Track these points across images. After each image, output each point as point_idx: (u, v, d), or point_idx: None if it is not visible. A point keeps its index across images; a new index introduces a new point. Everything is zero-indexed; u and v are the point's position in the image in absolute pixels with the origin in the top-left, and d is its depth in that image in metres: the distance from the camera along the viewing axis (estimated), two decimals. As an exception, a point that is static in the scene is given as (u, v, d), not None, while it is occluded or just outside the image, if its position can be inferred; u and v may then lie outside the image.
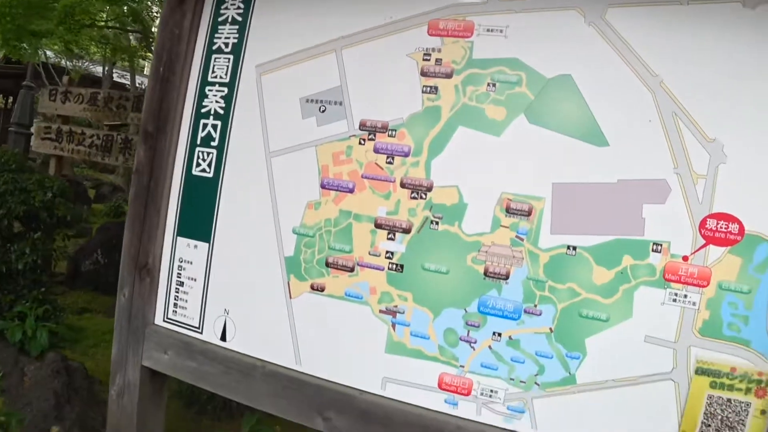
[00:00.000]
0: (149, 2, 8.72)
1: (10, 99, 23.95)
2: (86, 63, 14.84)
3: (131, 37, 10.61)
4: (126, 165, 7.20)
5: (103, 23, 8.53)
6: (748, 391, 1.65)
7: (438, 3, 1.97)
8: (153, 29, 9.83)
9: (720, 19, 1.73)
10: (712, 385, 1.68)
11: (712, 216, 1.69)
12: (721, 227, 1.68)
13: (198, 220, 2.31)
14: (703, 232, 1.70)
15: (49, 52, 13.06)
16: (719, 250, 1.69)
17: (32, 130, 12.80)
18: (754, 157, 1.68)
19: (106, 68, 14.30)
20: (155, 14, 9.78)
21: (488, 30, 1.90)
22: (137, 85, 13.43)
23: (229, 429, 3.80)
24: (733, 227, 1.69)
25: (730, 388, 1.67)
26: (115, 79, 15.13)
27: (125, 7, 7.61)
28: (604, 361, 1.76)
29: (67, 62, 14.34)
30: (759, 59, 1.69)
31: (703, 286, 1.68)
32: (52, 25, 6.02)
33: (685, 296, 1.69)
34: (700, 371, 1.68)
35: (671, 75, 1.74)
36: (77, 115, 6.59)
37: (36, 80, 13.01)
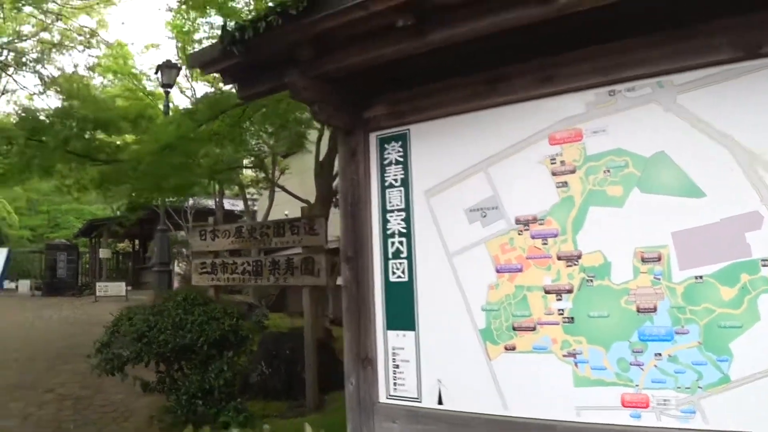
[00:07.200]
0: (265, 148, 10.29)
1: (136, 242, 26.83)
2: (198, 199, 16.68)
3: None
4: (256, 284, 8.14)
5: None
6: None
7: (551, 120, 2.68)
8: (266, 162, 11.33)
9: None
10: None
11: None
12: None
13: (402, 315, 3.04)
14: (795, 243, 2.22)
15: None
16: (812, 253, 2.19)
17: (174, 267, 14.54)
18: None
19: (216, 199, 15.94)
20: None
21: (593, 132, 2.59)
22: (248, 207, 14.95)
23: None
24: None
25: None
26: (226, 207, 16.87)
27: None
28: (749, 358, 2.26)
29: (184, 202, 16.20)
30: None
31: (810, 283, 2.19)
32: (201, 179, 7.35)
33: (798, 294, 2.20)
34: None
35: (737, 131, 2.32)
36: (225, 249, 7.70)
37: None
